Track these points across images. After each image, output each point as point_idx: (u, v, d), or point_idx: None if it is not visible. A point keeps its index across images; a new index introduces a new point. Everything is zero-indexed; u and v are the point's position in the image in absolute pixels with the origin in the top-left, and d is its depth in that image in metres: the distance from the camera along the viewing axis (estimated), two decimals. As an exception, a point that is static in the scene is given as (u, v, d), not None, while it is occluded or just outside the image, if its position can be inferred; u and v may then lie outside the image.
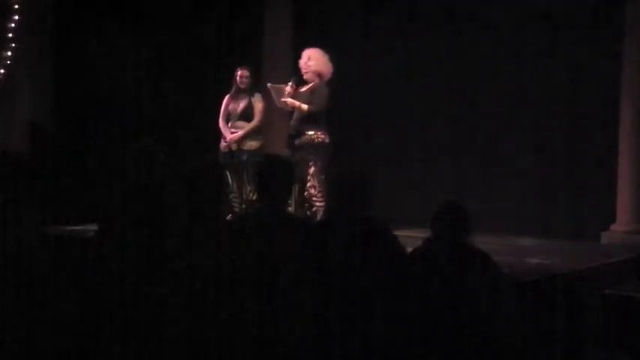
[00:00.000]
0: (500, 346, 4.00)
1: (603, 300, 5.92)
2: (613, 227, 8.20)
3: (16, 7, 9.32)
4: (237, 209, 7.55)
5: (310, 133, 7.19)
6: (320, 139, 7.20)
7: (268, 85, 7.60)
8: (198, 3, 10.06)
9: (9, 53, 9.29)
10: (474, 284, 3.96)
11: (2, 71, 9.35)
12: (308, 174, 7.13)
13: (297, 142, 7.21)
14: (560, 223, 8.52)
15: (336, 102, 7.43)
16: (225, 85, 7.99)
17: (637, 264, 7.03)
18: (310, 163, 7.14)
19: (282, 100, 7.32)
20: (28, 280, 3.79)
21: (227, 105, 7.89)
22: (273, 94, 7.48)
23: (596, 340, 5.63)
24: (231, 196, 7.57)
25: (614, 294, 6.01)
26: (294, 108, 7.27)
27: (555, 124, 8.72)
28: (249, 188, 7.61)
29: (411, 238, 4.70)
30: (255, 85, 7.91)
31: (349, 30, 9.56)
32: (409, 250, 4.20)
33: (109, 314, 3.69)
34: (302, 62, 7.39)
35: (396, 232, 4.13)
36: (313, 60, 7.33)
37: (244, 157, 7.70)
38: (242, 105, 7.81)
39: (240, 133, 7.73)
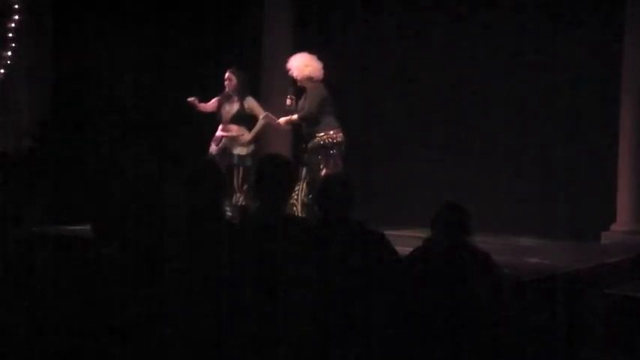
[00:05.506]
0: (501, 345, 4.00)
1: (603, 300, 5.92)
2: (613, 227, 8.20)
3: (16, 7, 9.33)
4: (229, 212, 7.50)
5: (320, 134, 7.21)
6: (329, 140, 7.21)
7: (266, 114, 7.66)
8: (199, 3, 10.06)
9: (9, 53, 9.30)
10: (475, 284, 3.96)
11: (2, 71, 9.36)
12: (319, 176, 7.08)
13: (309, 145, 7.26)
14: (560, 223, 8.51)
15: (337, 102, 7.43)
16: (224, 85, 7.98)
17: (637, 264, 7.03)
18: (321, 165, 7.15)
19: (277, 122, 7.52)
20: (28, 279, 3.79)
21: (218, 107, 7.83)
22: (271, 121, 7.64)
23: (596, 340, 5.62)
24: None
25: (614, 294, 6.01)
26: (291, 123, 7.42)
27: (555, 124, 8.72)
28: (239, 194, 7.59)
29: (411, 238, 4.70)
30: (247, 89, 7.82)
31: (349, 30, 9.56)
32: (409, 250, 4.20)
33: (109, 314, 3.69)
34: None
35: (396, 232, 4.13)
36: (293, 69, 7.35)
37: (234, 161, 7.69)
38: (235, 108, 7.75)
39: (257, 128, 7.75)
